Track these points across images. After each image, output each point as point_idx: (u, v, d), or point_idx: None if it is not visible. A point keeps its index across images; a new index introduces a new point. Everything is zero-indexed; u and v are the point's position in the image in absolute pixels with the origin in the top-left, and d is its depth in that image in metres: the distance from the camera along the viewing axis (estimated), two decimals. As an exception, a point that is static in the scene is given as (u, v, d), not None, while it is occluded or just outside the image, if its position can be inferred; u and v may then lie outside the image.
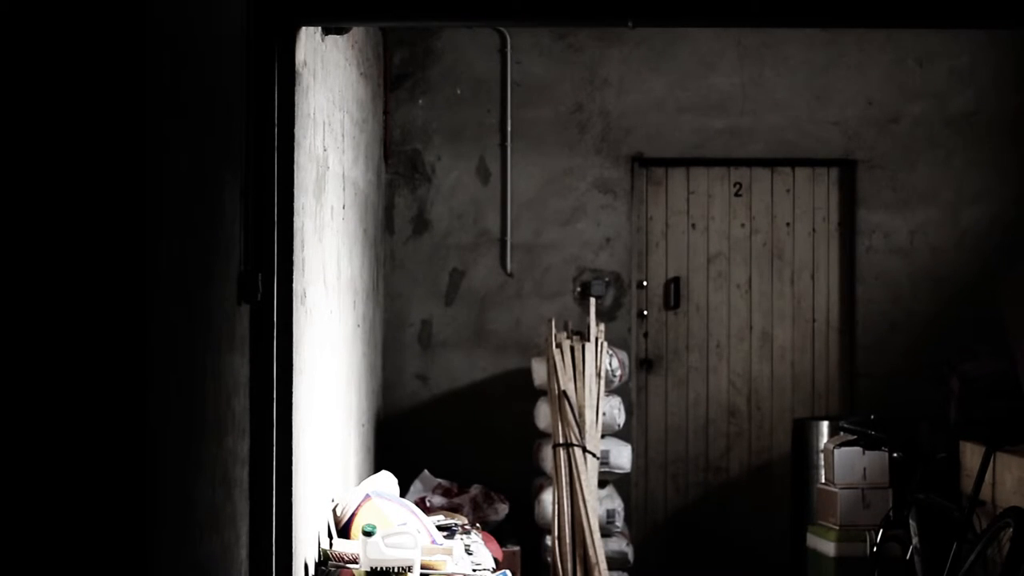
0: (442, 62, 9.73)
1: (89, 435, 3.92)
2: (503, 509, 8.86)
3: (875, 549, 7.77)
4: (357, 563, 6.42)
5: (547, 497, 8.86)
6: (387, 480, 7.66)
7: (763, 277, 9.83)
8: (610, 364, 8.93)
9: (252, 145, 5.38)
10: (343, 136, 7.50)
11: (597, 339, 8.80)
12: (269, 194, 5.56)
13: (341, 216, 7.40)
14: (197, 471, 4.64)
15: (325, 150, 6.82)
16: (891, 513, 7.84)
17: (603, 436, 8.91)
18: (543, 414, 8.98)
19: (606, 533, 8.92)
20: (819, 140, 9.75)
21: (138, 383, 3.97)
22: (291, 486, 5.71)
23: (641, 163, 9.79)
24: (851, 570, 8.12)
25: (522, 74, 9.72)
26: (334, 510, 6.92)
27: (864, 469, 8.36)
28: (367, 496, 6.99)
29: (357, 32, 8.03)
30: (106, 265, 3.93)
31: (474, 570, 6.75)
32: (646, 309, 9.83)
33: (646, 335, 9.83)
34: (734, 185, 9.84)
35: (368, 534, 6.37)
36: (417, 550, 6.43)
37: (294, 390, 5.73)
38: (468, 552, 7.08)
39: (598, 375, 8.75)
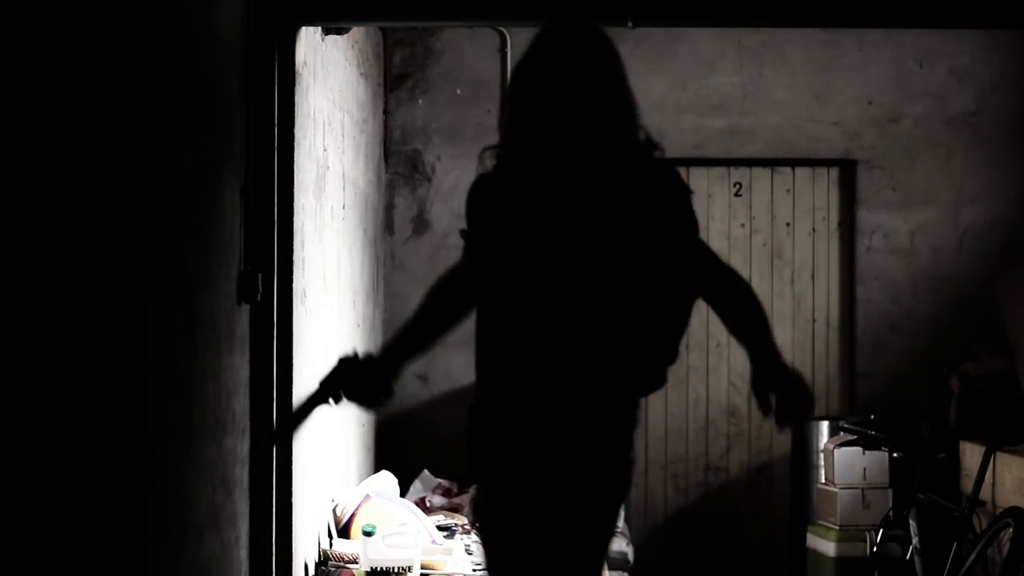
0: (442, 62, 9.72)
1: (90, 435, 3.92)
2: (503, 509, 8.83)
3: (875, 549, 7.77)
4: (357, 563, 6.42)
5: (547, 497, 8.84)
6: (387, 480, 7.66)
7: (763, 277, 9.83)
8: (610, 364, 8.91)
9: (252, 145, 5.38)
10: (343, 136, 7.50)
11: (597, 339, 8.78)
12: (269, 194, 5.56)
13: (341, 216, 7.40)
14: (197, 471, 4.64)
15: (325, 150, 6.82)
16: (891, 513, 7.83)
17: (603, 436, 8.89)
18: (543, 414, 8.96)
19: (606, 533, 8.90)
20: (819, 140, 9.74)
21: (138, 383, 3.97)
22: (291, 486, 5.71)
23: (641, 163, 9.77)
24: (851, 570, 8.12)
25: (522, 74, 9.71)
26: (334, 510, 6.92)
27: (864, 469, 8.35)
28: (367, 496, 6.99)
29: (357, 32, 8.03)
30: (108, 265, 3.93)
31: (474, 570, 6.75)
32: (646, 309, 9.81)
33: (646, 335, 9.81)
34: (734, 185, 9.83)
35: (368, 534, 6.38)
36: (417, 550, 6.43)
37: (294, 390, 5.73)
38: (468, 552, 7.08)
39: (598, 375, 8.73)
